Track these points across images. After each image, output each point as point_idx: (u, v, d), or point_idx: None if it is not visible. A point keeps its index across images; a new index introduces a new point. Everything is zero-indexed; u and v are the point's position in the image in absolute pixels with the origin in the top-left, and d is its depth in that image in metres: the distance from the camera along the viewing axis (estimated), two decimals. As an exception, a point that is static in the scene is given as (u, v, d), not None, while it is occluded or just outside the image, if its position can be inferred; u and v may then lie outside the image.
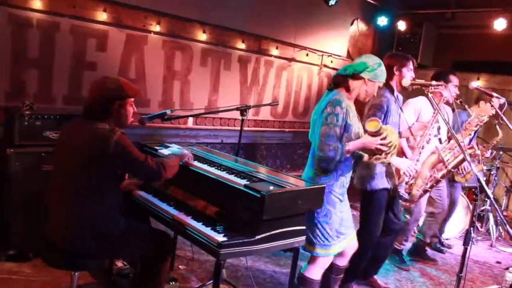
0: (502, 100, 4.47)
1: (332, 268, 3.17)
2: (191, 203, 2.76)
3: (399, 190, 3.62)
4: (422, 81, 3.35)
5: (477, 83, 3.78)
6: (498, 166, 5.90)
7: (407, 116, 3.93)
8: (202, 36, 5.50)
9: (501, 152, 5.77)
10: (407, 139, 4.12)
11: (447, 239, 5.52)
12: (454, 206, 5.18)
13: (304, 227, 2.64)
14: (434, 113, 3.72)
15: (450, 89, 4.27)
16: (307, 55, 6.72)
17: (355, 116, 2.87)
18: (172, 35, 5.25)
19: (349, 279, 3.82)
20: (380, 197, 3.60)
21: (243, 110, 3.36)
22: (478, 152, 4.43)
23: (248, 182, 2.49)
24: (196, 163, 2.91)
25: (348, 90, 2.87)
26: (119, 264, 3.43)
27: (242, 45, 5.92)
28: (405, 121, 3.73)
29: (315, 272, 2.96)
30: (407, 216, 4.52)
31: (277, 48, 6.30)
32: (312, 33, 6.74)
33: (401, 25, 7.38)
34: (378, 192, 3.57)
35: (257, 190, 2.35)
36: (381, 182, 3.56)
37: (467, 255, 2.64)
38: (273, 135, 6.56)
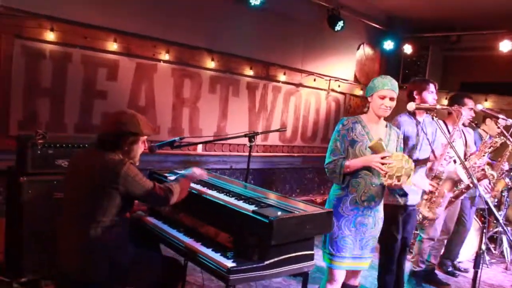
0: (510, 121, 4.48)
1: (344, 286, 3.19)
2: (201, 229, 2.78)
3: (420, 208, 3.67)
4: (427, 105, 3.39)
5: (482, 106, 3.81)
6: (510, 186, 5.85)
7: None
8: (211, 63, 5.60)
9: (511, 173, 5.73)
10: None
11: (460, 262, 5.43)
12: (467, 230, 5.12)
13: (312, 252, 2.64)
14: (450, 138, 3.72)
15: (465, 112, 4.29)
16: (314, 80, 6.80)
17: (369, 136, 2.96)
18: (181, 63, 5.37)
19: None
20: (395, 212, 3.62)
21: (251, 136, 3.40)
22: (492, 173, 4.42)
23: (256, 208, 2.52)
24: (205, 189, 2.94)
25: (367, 114, 3.08)
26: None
27: (250, 72, 6.02)
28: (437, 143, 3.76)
29: (325, 286, 3.03)
30: (423, 235, 4.48)
31: (284, 74, 6.39)
32: (319, 58, 6.84)
33: (407, 49, 7.46)
34: (393, 207, 3.60)
35: (265, 215, 2.37)
36: (394, 198, 3.62)
37: (477, 279, 2.62)
38: (282, 160, 6.59)
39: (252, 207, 2.53)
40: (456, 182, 3.83)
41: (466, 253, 5.41)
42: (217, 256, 2.41)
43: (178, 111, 5.46)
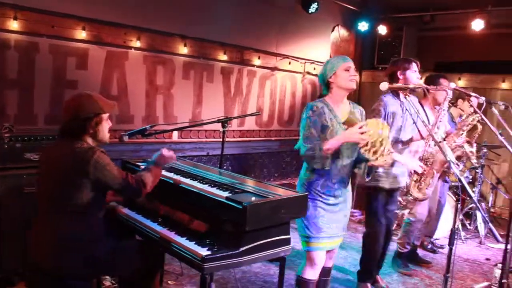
0: (482, 99, 4.52)
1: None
2: (175, 218, 2.75)
3: (410, 190, 3.71)
4: (400, 85, 3.39)
5: (454, 84, 3.83)
6: (483, 164, 5.95)
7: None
8: (183, 49, 5.51)
9: (485, 150, 5.82)
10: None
11: (437, 239, 5.53)
12: (442, 206, 5.20)
13: (289, 236, 2.63)
14: (437, 115, 3.74)
15: (442, 92, 4.31)
16: (289, 63, 6.76)
17: (337, 119, 2.93)
18: (153, 50, 5.26)
19: (365, 279, 3.96)
20: (377, 195, 3.77)
21: (224, 121, 3.33)
22: (471, 149, 4.50)
23: (230, 194, 2.49)
24: (179, 177, 2.90)
25: (330, 97, 3.01)
26: (107, 283, 3.39)
27: (224, 57, 5.94)
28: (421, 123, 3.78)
29: (305, 271, 3.03)
30: (411, 218, 4.52)
31: (259, 58, 6.33)
32: (293, 41, 6.79)
33: (382, 30, 7.45)
34: (375, 190, 3.76)
35: (238, 201, 2.35)
36: (377, 180, 3.73)
37: (452, 255, 2.66)
38: (260, 145, 6.56)
39: (226, 193, 2.50)
40: (444, 162, 3.87)
41: (442, 230, 5.50)
42: (191, 245, 2.38)
43: (152, 98, 5.36)
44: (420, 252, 4.99)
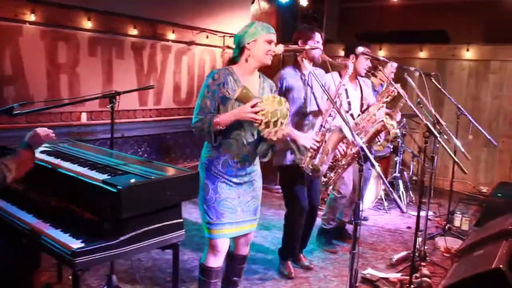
0: (395, 64, 4.45)
1: (233, 257, 3.01)
2: (53, 207, 2.42)
3: (303, 165, 3.50)
4: (295, 47, 3.21)
5: (362, 48, 3.70)
6: (404, 133, 5.97)
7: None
8: (87, 23, 5.08)
9: (404, 119, 5.83)
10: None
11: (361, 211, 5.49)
12: (366, 179, 5.13)
13: (181, 220, 2.39)
14: (337, 87, 3.55)
15: (362, 62, 4.16)
16: (207, 37, 6.45)
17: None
18: (52, 24, 4.80)
19: (285, 257, 3.82)
20: (293, 172, 3.54)
21: (112, 97, 2.98)
22: (392, 123, 4.38)
23: (108, 177, 2.20)
24: (58, 161, 2.56)
25: (240, 65, 2.74)
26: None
27: (134, 31, 5.55)
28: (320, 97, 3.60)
29: (208, 259, 2.77)
30: (335, 193, 4.39)
31: (173, 32, 5.98)
32: (211, 14, 6.47)
33: (303, 1, 7.26)
34: (290, 167, 3.55)
35: (113, 184, 2.06)
36: (290, 157, 3.54)
37: (357, 231, 2.52)
38: (179, 123, 6.24)
39: (103, 176, 2.20)
40: (341, 138, 3.69)
41: (365, 201, 5.47)
42: (63, 237, 2.08)
43: (54, 78, 4.91)
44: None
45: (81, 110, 5.17)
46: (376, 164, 2.49)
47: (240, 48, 2.72)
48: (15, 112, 2.44)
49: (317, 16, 7.56)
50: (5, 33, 4.45)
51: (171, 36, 5.97)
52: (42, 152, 2.69)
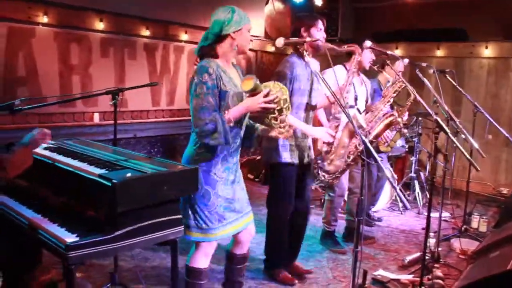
0: (406, 60, 4.35)
1: (231, 258, 2.91)
2: (52, 202, 2.41)
3: (318, 161, 3.40)
4: (296, 39, 3.14)
5: (370, 43, 3.62)
6: (420, 132, 5.85)
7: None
8: (100, 25, 5.12)
9: (420, 118, 5.71)
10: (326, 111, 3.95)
11: (375, 211, 5.40)
12: (382, 179, 5.02)
13: (179, 216, 2.35)
14: (347, 79, 3.44)
15: (367, 55, 4.10)
16: (220, 37, 6.42)
17: (232, 81, 2.57)
18: (64, 26, 4.86)
19: (274, 268, 3.60)
20: (285, 172, 3.39)
21: (114, 93, 2.97)
22: (399, 119, 4.27)
23: (105, 171, 2.17)
24: (60, 157, 2.55)
25: (217, 56, 2.57)
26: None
27: (146, 32, 5.57)
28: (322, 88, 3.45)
29: (199, 261, 2.67)
30: (331, 194, 4.30)
31: (186, 32, 5.98)
32: (225, 15, 6.44)
33: (318, 1, 7.20)
34: (283, 166, 3.38)
35: (109, 178, 2.03)
36: (285, 156, 3.37)
37: (360, 229, 2.45)
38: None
39: (101, 171, 2.18)
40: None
41: (379, 202, 5.37)
42: (59, 231, 2.05)
43: (67, 79, 4.96)
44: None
45: (93, 111, 5.20)
46: (379, 159, 2.41)
47: (219, 36, 2.54)
48: (16, 108, 2.44)
49: (333, 16, 7.48)
50: (18, 34, 4.51)
51: (183, 37, 5.97)
52: (45, 148, 2.69)
